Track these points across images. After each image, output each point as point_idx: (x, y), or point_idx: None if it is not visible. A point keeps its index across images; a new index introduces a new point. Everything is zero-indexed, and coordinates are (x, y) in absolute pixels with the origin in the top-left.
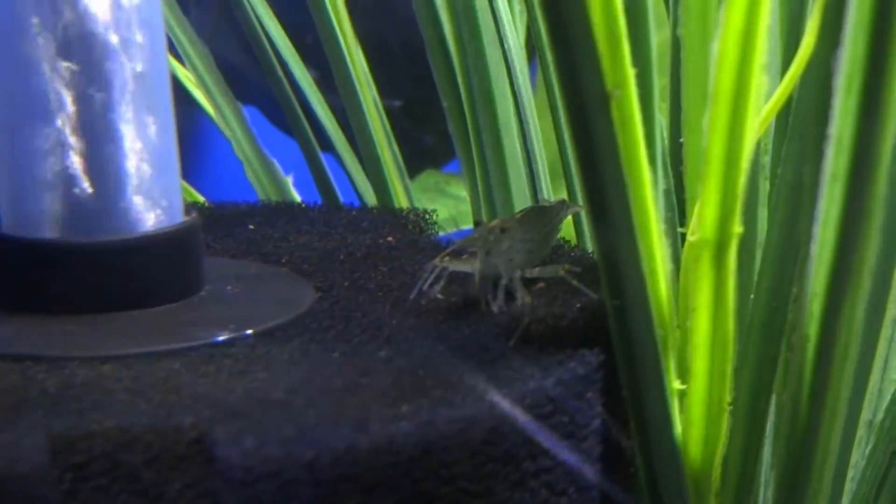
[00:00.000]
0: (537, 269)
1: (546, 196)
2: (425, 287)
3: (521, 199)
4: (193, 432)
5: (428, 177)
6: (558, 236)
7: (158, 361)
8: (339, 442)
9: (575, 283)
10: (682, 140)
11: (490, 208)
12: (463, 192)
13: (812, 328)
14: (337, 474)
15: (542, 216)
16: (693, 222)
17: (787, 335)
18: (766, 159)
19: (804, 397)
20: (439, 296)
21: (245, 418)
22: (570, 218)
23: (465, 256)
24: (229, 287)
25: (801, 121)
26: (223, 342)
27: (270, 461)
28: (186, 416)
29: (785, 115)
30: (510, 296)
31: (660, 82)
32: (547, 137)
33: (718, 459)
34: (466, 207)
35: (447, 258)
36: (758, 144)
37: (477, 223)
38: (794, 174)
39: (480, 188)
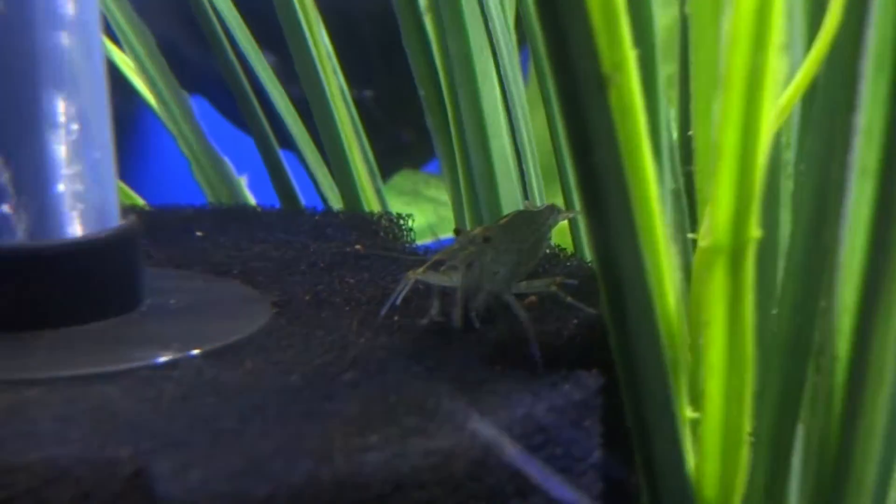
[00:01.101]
0: (524, 282)
1: (539, 201)
2: (398, 302)
3: (511, 204)
4: (131, 466)
5: (403, 178)
6: (552, 243)
7: (91, 385)
8: (298, 476)
9: (569, 299)
10: (691, 133)
11: (475, 214)
12: (444, 196)
13: (842, 347)
14: None
15: (529, 223)
16: (704, 226)
17: (815, 355)
18: (789, 154)
19: (834, 427)
20: (433, 316)
21: (190, 450)
22: (566, 223)
23: (443, 269)
24: (173, 301)
25: (826, 109)
26: (165, 364)
27: (219, 499)
28: (123, 447)
29: (808, 103)
30: (494, 313)
31: (667, 69)
32: (540, 134)
33: (738, 499)
34: (448, 213)
35: (424, 272)
36: (777, 137)
37: (457, 231)
38: (819, 170)
39: (464, 191)
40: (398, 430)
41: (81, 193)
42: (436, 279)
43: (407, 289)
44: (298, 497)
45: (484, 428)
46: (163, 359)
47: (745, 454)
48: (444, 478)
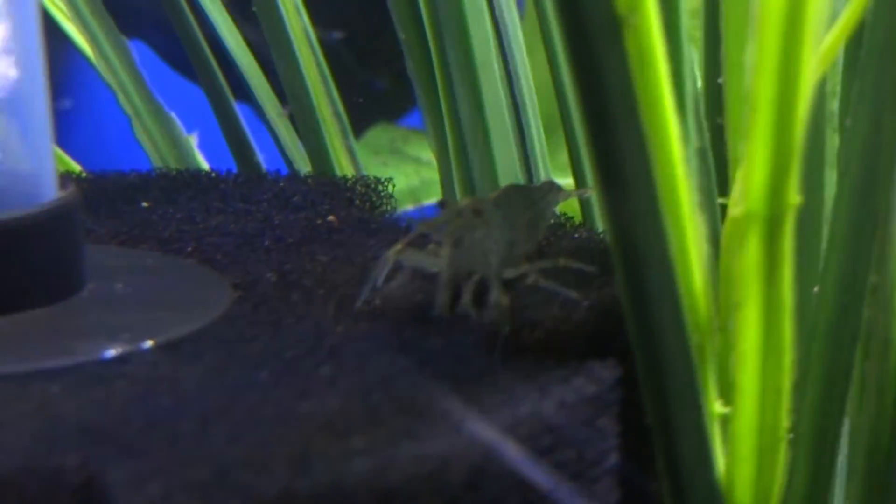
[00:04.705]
0: (525, 266)
1: (540, 160)
2: (379, 284)
3: (507, 164)
4: (80, 475)
5: (379, 133)
6: (557, 211)
7: (30, 384)
8: (269, 487)
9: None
10: (721, 81)
11: (464, 175)
12: (427, 154)
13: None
14: None
15: (525, 197)
16: (736, 190)
17: (864, 339)
18: (834, 105)
19: (886, 421)
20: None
21: (146, 457)
22: (573, 188)
23: (430, 246)
24: (119, 285)
25: (877, 53)
26: (115, 358)
27: None
28: (71, 454)
29: (856, 45)
30: (484, 297)
31: (691, 4)
32: (540, 78)
33: None
34: (432, 174)
35: (404, 249)
36: (822, 85)
37: (441, 203)
38: (869, 124)
39: (451, 148)
40: (385, 432)
41: (11, 164)
42: (418, 259)
43: (387, 269)
44: None
45: (483, 429)
46: (111, 352)
47: (782, 455)
48: (438, 487)
